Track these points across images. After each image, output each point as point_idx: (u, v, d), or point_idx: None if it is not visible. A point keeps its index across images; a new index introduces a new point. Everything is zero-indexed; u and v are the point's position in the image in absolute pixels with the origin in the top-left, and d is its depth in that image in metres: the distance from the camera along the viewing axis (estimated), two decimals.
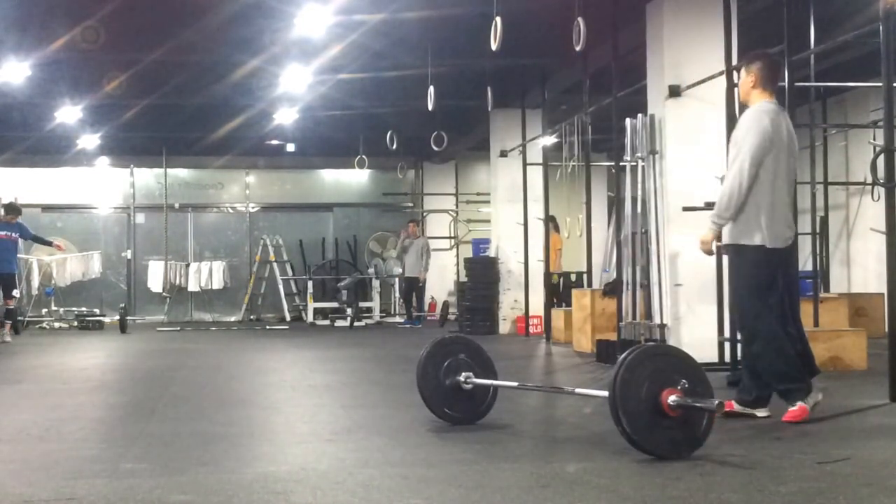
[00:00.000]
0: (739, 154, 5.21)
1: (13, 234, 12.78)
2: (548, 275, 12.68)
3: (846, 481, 3.80)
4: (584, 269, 11.44)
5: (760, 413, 5.27)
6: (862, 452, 4.44)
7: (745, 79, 5.43)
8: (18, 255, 14.20)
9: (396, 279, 17.56)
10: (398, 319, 17.45)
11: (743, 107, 5.53)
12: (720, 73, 8.05)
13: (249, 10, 9.60)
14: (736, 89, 5.48)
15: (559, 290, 13.30)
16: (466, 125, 15.50)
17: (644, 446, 4.17)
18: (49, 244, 14.20)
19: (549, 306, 12.47)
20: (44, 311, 16.77)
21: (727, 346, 7.80)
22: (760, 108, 5.29)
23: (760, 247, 5.24)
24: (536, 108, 13.04)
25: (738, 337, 5.65)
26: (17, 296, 13.40)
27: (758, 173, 5.18)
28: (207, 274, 18.52)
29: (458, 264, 18.45)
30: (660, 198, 8.64)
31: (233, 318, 18.73)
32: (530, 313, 13.32)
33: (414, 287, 16.85)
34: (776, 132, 5.22)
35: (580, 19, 7.96)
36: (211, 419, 5.74)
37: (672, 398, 4.16)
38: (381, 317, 17.58)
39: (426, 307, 18.92)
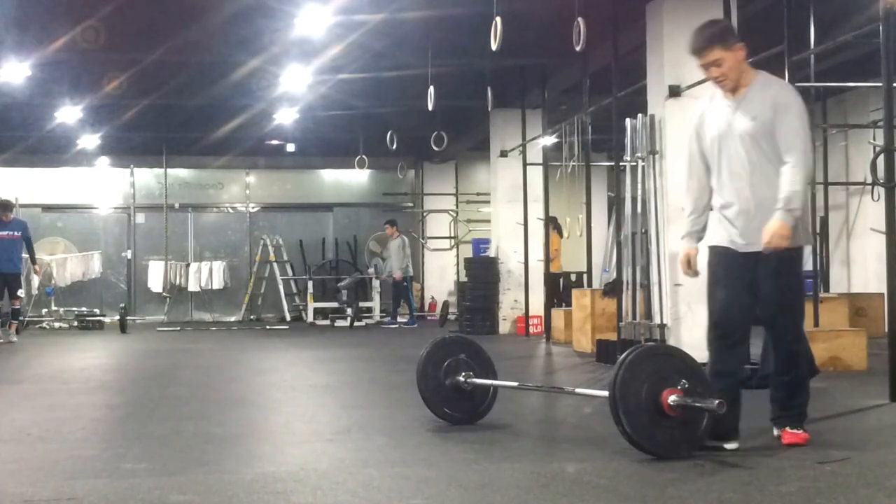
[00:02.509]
0: (800, 133, 4.38)
1: (15, 233, 12.76)
2: (548, 275, 12.69)
3: (846, 481, 3.80)
4: (584, 269, 11.44)
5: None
6: (862, 452, 4.44)
7: (737, 55, 4.61)
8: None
9: (392, 279, 17.53)
10: (385, 319, 17.35)
11: (735, 89, 4.64)
12: None
13: (249, 10, 9.60)
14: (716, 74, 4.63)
15: (559, 290, 13.30)
16: (466, 125, 15.50)
17: (644, 446, 4.18)
18: (33, 261, 13.73)
19: (549, 306, 12.48)
20: (44, 311, 16.76)
21: None
22: (789, 85, 4.65)
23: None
24: (536, 108, 13.04)
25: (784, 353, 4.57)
26: (22, 296, 13.37)
27: None
28: (207, 274, 18.51)
29: (458, 264, 18.45)
30: (660, 198, 8.64)
31: (233, 318, 18.73)
32: (530, 313, 13.32)
33: (398, 287, 16.83)
34: None
35: (580, 19, 7.96)
36: (211, 419, 5.74)
37: (672, 398, 4.16)
38: (381, 317, 17.57)
39: (425, 307, 18.95)
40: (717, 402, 4.16)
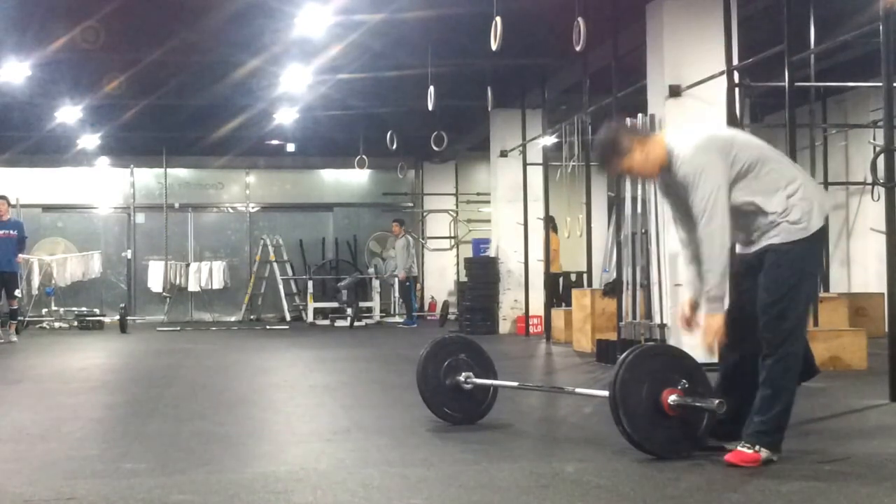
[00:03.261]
0: (703, 202, 4.13)
1: (11, 232, 12.75)
2: (548, 275, 12.69)
3: (846, 481, 3.80)
4: (584, 269, 11.44)
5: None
6: (862, 452, 4.43)
7: (638, 153, 4.30)
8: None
9: (397, 279, 17.56)
10: (398, 319, 17.47)
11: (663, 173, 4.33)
12: (720, 73, 8.06)
13: (249, 10, 9.60)
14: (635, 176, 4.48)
15: (559, 290, 13.30)
16: (466, 125, 15.50)
17: (644, 446, 4.18)
18: (20, 251, 13.68)
19: (549, 306, 12.47)
20: (44, 311, 16.77)
21: None
22: (702, 137, 4.27)
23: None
24: (536, 108, 13.04)
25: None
26: (20, 295, 13.35)
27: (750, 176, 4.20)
28: (207, 274, 18.52)
29: (458, 264, 18.46)
30: (660, 198, 8.64)
31: (233, 318, 18.73)
32: (530, 313, 13.32)
33: (402, 287, 16.84)
34: (729, 143, 4.25)
35: (580, 19, 7.97)
36: (211, 419, 5.74)
37: (672, 398, 4.17)
38: (381, 317, 17.59)
39: (425, 307, 18.94)
40: (716, 401, 4.16)
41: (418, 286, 19.08)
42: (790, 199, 4.18)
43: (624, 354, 4.32)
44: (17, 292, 12.96)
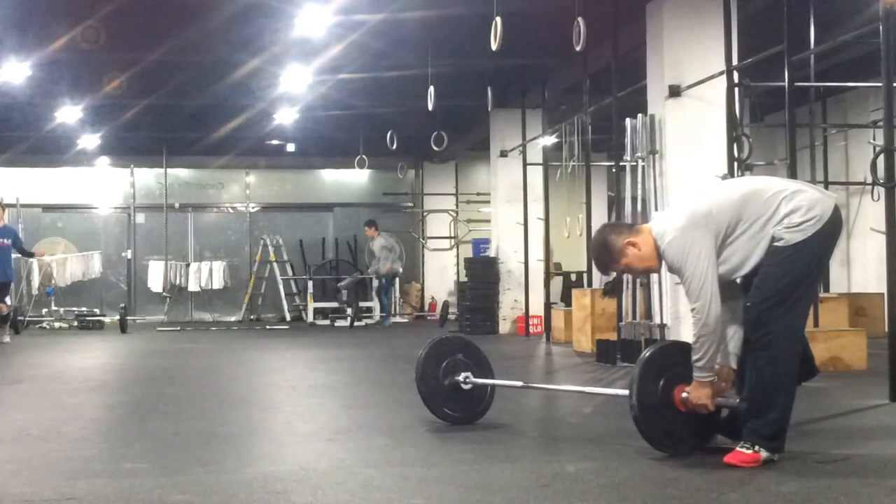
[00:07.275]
0: (691, 286, 4.12)
1: (6, 241, 12.68)
2: (548, 274, 12.69)
3: (846, 481, 3.80)
4: (585, 269, 11.44)
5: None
6: (862, 452, 4.44)
7: (631, 255, 4.32)
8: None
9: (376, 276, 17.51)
10: (398, 319, 17.43)
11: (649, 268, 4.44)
12: (720, 73, 8.06)
13: (249, 10, 9.60)
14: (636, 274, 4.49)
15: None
16: (466, 125, 15.50)
17: (662, 443, 4.21)
18: (31, 256, 14.37)
19: (548, 306, 12.47)
20: (44, 311, 16.74)
21: None
22: (682, 217, 4.23)
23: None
24: (536, 108, 13.04)
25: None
26: (10, 304, 13.25)
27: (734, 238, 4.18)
28: (207, 274, 18.51)
29: (458, 264, 18.45)
30: (660, 198, 8.64)
31: (233, 318, 18.72)
32: (530, 313, 13.33)
33: (379, 284, 16.84)
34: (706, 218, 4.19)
35: (580, 19, 7.96)
36: (211, 419, 5.74)
37: (685, 394, 4.19)
38: (381, 317, 17.56)
39: (425, 307, 18.92)
40: (737, 399, 4.17)
41: (417, 286, 19.09)
42: (784, 220, 4.10)
43: (644, 351, 4.35)
44: (7, 300, 12.85)
